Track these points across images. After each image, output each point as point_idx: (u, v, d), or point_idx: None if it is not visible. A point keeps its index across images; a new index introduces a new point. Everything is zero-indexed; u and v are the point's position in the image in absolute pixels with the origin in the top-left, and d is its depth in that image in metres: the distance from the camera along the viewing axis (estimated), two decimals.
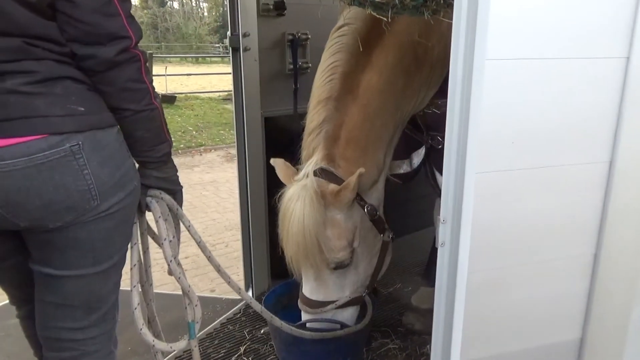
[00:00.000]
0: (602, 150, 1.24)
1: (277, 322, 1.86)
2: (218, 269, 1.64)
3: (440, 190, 2.02)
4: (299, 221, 1.65)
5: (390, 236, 1.93)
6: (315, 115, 1.83)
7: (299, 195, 1.68)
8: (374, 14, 1.30)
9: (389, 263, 2.03)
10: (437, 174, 2.06)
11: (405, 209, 3.28)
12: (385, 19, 1.28)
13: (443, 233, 1.18)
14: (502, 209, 1.19)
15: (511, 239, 1.23)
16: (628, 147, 1.22)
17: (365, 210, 1.79)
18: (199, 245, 1.54)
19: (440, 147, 1.93)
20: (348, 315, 1.95)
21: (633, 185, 1.25)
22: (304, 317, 1.94)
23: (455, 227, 1.16)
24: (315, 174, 1.72)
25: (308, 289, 1.87)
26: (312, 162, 1.76)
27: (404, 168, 2.22)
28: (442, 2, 1.27)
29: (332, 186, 1.71)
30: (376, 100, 1.72)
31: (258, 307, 1.84)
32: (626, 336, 1.34)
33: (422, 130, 2.05)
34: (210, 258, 1.60)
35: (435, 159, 2.03)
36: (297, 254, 1.72)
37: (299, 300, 1.95)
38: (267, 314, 1.85)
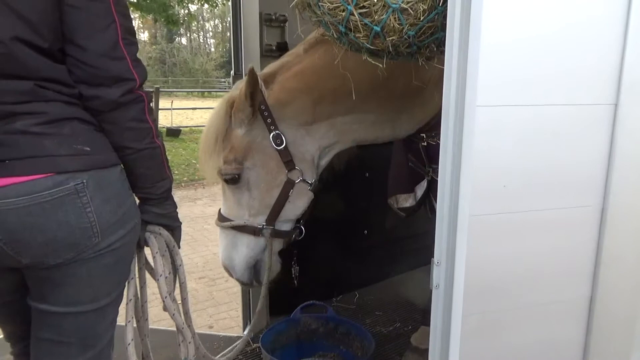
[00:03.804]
0: (593, 194, 1.26)
1: None
2: (187, 313, 1.54)
3: None
4: (208, 121, 1.88)
5: (301, 179, 1.86)
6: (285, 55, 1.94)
7: (221, 100, 1.86)
8: (370, 60, 1.35)
9: (303, 209, 1.93)
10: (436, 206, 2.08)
11: (405, 246, 3.27)
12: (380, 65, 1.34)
13: (437, 275, 1.19)
14: (496, 252, 1.20)
15: (505, 282, 1.24)
16: (619, 191, 1.24)
17: (270, 135, 1.79)
18: (180, 286, 1.50)
19: None
20: (243, 255, 1.91)
21: (625, 228, 1.27)
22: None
23: (449, 270, 1.17)
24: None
25: (222, 203, 1.95)
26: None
27: (409, 202, 2.24)
28: (435, 49, 1.33)
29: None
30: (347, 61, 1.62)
31: None
32: None
33: (424, 162, 2.08)
34: (184, 300, 1.53)
35: (435, 191, 2.05)
36: (200, 152, 1.89)
37: None
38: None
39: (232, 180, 1.82)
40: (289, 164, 1.84)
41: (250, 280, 1.98)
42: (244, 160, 1.82)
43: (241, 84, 1.81)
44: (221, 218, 1.92)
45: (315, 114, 1.83)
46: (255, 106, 1.77)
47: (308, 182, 1.88)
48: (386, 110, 1.91)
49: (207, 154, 1.83)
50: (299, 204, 1.91)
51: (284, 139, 1.80)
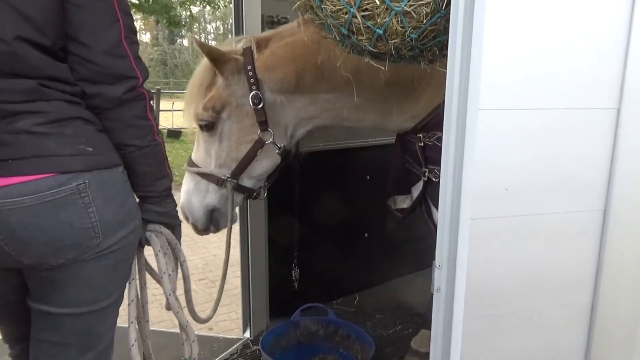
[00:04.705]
0: (596, 199, 1.26)
1: None
2: (190, 302, 1.62)
3: (435, 226, 2.03)
4: (198, 68, 2.00)
5: (271, 141, 1.94)
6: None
7: None
8: (372, 62, 1.35)
9: (267, 170, 2.02)
10: (433, 209, 2.07)
11: (405, 249, 3.27)
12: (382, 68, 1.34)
13: (438, 279, 1.18)
14: (497, 256, 1.20)
15: (507, 286, 1.23)
16: (621, 196, 1.24)
17: (250, 93, 1.88)
18: (184, 281, 1.53)
19: (437, 180, 1.94)
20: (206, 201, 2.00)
21: (628, 233, 1.27)
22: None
23: (450, 273, 1.17)
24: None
25: (193, 150, 2.07)
26: (246, 37, 1.98)
27: (407, 203, 2.25)
28: (437, 52, 1.33)
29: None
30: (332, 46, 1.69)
31: None
32: None
33: (421, 163, 2.08)
34: (187, 291, 1.57)
35: (432, 192, 2.04)
36: (185, 96, 2.05)
37: None
38: None
39: (207, 127, 1.93)
40: (263, 124, 1.93)
41: (204, 227, 2.06)
42: (221, 110, 1.92)
43: (237, 41, 1.98)
44: (190, 163, 2.03)
45: (297, 84, 1.91)
46: (222, 70, 1.88)
47: (277, 146, 1.96)
48: (372, 96, 1.95)
49: (190, 98, 1.97)
50: (264, 163, 2.00)
51: (262, 99, 1.90)
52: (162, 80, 29.79)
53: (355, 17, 1.23)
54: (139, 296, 1.43)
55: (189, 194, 2.02)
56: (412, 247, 3.17)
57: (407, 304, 3.06)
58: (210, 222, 2.06)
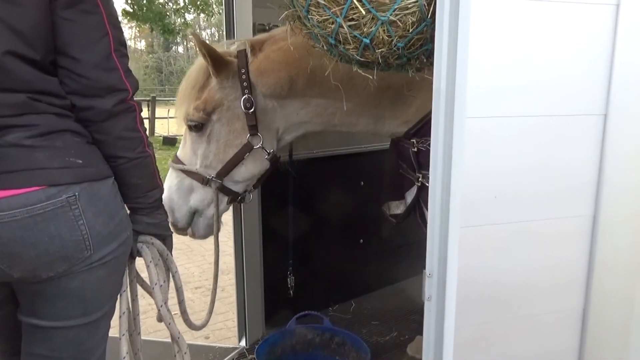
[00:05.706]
0: (584, 204, 1.26)
1: None
2: (184, 312, 1.60)
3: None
4: (192, 68, 2.00)
5: (260, 146, 1.93)
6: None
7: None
8: (360, 71, 1.36)
9: (254, 174, 2.02)
10: (427, 214, 2.08)
11: (401, 255, 3.27)
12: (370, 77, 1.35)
13: (429, 287, 1.18)
14: (488, 263, 1.20)
15: (498, 293, 1.23)
16: (609, 201, 1.25)
17: (242, 97, 1.89)
18: (177, 292, 1.52)
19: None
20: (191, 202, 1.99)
21: (617, 237, 1.27)
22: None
23: (441, 282, 1.17)
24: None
25: (180, 148, 2.08)
26: (240, 40, 1.98)
27: (400, 208, 2.25)
28: (425, 60, 1.34)
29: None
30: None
31: None
32: None
33: (414, 168, 2.09)
34: (181, 302, 1.56)
35: (425, 198, 2.05)
36: (177, 95, 2.04)
37: None
38: None
39: (196, 127, 1.92)
40: (253, 128, 1.92)
41: (184, 227, 2.04)
42: (212, 112, 1.92)
43: (229, 44, 1.98)
44: (175, 160, 2.03)
45: (290, 89, 1.90)
46: (217, 72, 1.87)
47: (266, 151, 1.96)
48: (364, 101, 1.95)
49: (182, 99, 1.97)
50: (251, 168, 1.99)
51: (254, 104, 1.89)
52: (158, 88, 29.75)
53: (342, 27, 1.24)
54: (130, 308, 1.42)
55: (171, 190, 2.00)
56: (408, 253, 3.16)
57: (403, 310, 3.06)
58: (190, 224, 2.04)
